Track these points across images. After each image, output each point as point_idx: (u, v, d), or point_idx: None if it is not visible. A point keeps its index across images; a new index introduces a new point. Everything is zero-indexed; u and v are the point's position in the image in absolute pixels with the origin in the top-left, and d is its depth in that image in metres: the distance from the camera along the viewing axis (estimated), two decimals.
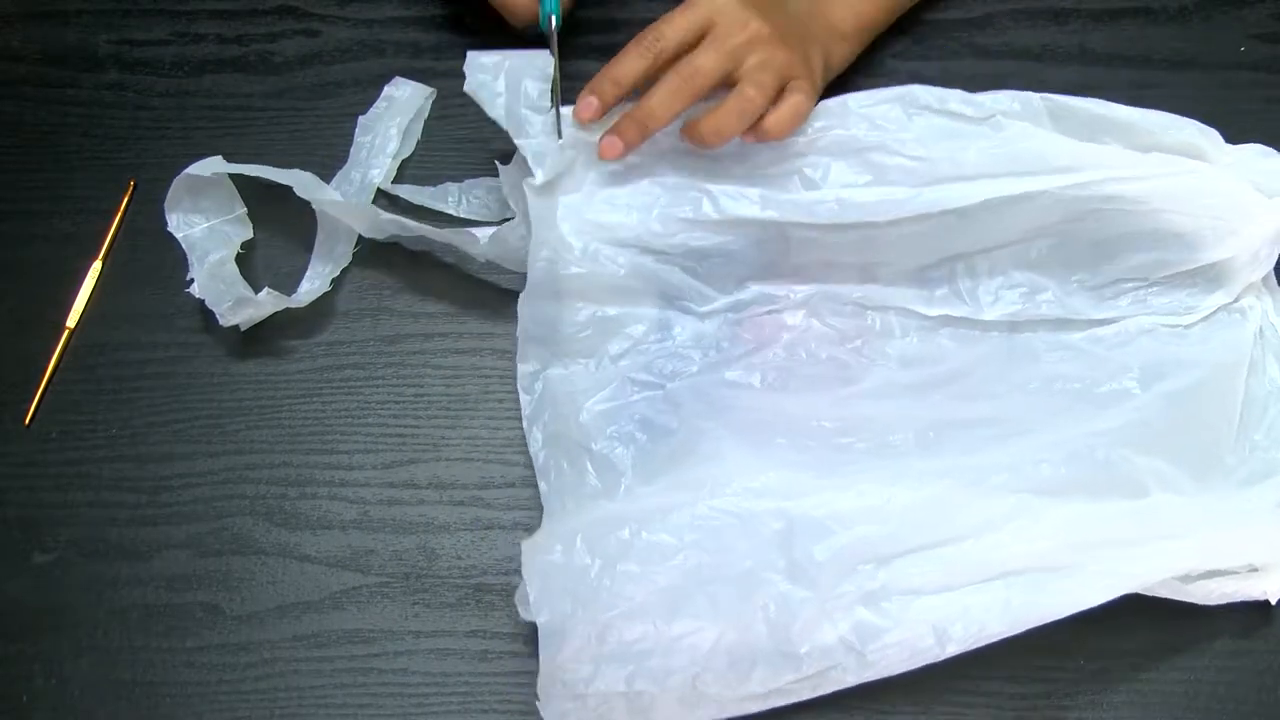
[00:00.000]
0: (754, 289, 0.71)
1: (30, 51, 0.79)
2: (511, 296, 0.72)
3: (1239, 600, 0.63)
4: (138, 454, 0.69)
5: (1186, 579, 0.62)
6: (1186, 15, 0.80)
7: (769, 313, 0.71)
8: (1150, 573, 0.61)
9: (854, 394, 0.69)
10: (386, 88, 0.76)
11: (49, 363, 0.71)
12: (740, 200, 0.69)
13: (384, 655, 0.65)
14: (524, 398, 0.69)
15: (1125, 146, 0.70)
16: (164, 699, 0.65)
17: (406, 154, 0.76)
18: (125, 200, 0.75)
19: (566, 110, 0.69)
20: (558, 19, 0.71)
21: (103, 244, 0.73)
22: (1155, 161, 0.70)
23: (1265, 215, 0.69)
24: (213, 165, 0.71)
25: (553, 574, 0.61)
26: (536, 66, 0.70)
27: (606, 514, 0.63)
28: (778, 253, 0.70)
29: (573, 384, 0.69)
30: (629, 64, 0.67)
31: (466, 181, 0.75)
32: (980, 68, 0.78)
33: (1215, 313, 0.70)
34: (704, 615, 0.60)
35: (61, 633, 0.66)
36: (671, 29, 0.67)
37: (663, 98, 0.67)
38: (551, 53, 0.70)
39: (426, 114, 0.77)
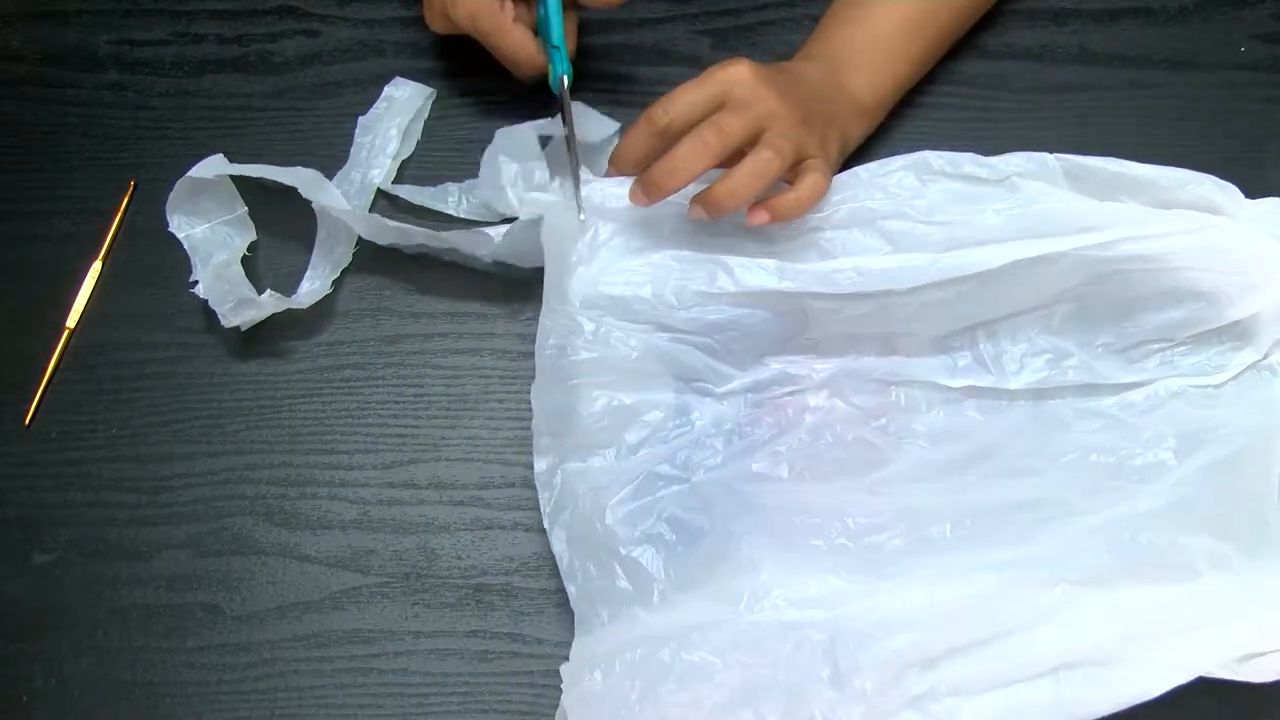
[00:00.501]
0: (774, 367, 0.69)
1: (30, 51, 0.79)
2: (513, 296, 0.72)
3: None
4: (138, 454, 0.69)
5: (1242, 658, 0.61)
6: (1186, 15, 0.80)
7: (791, 393, 0.69)
8: (1207, 659, 0.60)
9: (885, 479, 0.67)
10: (386, 88, 0.76)
11: (49, 363, 0.71)
12: (757, 272, 0.67)
13: (384, 655, 0.65)
14: (543, 494, 0.65)
15: (1143, 204, 0.68)
16: (164, 699, 0.65)
17: (407, 154, 0.76)
18: (125, 200, 0.75)
19: (585, 187, 0.68)
20: (570, 78, 0.69)
21: (103, 244, 0.73)
22: (1174, 218, 0.68)
23: None
24: (215, 166, 0.71)
25: (593, 701, 0.60)
26: (548, 135, 0.70)
27: (645, 632, 0.61)
28: (796, 326, 0.69)
29: (593, 479, 0.65)
30: (636, 142, 0.66)
31: (466, 181, 0.75)
32: (980, 68, 0.78)
33: (1245, 371, 0.69)
34: None
35: (61, 633, 0.66)
36: (683, 103, 0.65)
37: (686, 154, 0.64)
38: (565, 119, 0.69)
39: (426, 114, 0.77)
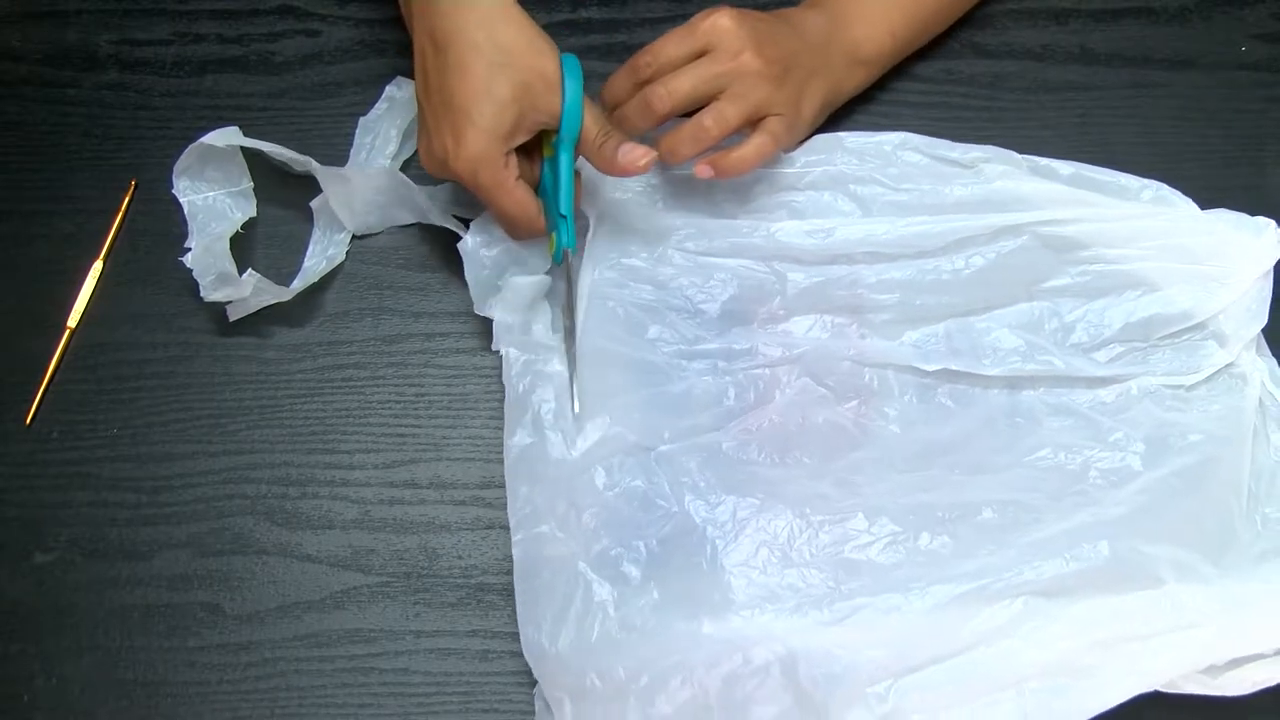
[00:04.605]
0: (746, 341, 0.69)
1: (30, 51, 0.79)
2: None
3: (1271, 686, 0.61)
4: (138, 454, 0.69)
5: (1214, 671, 0.61)
6: (1186, 15, 0.80)
7: (762, 369, 0.69)
8: (1173, 666, 0.60)
9: (854, 467, 0.67)
10: (388, 88, 0.76)
11: (50, 362, 0.71)
12: (731, 231, 0.70)
13: (385, 655, 0.65)
14: (509, 417, 0.66)
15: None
16: (165, 698, 0.65)
17: (407, 155, 0.76)
18: (126, 200, 0.74)
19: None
20: (574, 252, 0.68)
21: (103, 244, 0.73)
22: (1132, 207, 0.70)
23: (1247, 260, 0.69)
24: (228, 136, 0.71)
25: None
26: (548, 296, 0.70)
27: (611, 643, 0.61)
28: (769, 289, 0.70)
29: (557, 424, 0.66)
30: (621, 86, 0.69)
31: None
32: (980, 67, 0.78)
33: (1217, 375, 0.69)
34: None
35: (62, 633, 0.66)
36: (665, 53, 0.67)
37: (630, 113, 0.68)
38: (567, 294, 0.68)
39: None
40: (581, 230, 0.70)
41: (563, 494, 0.64)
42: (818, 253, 0.70)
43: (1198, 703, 0.61)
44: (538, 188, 0.68)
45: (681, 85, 0.66)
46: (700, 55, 0.67)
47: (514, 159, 0.64)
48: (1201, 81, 0.78)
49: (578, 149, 0.66)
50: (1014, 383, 0.69)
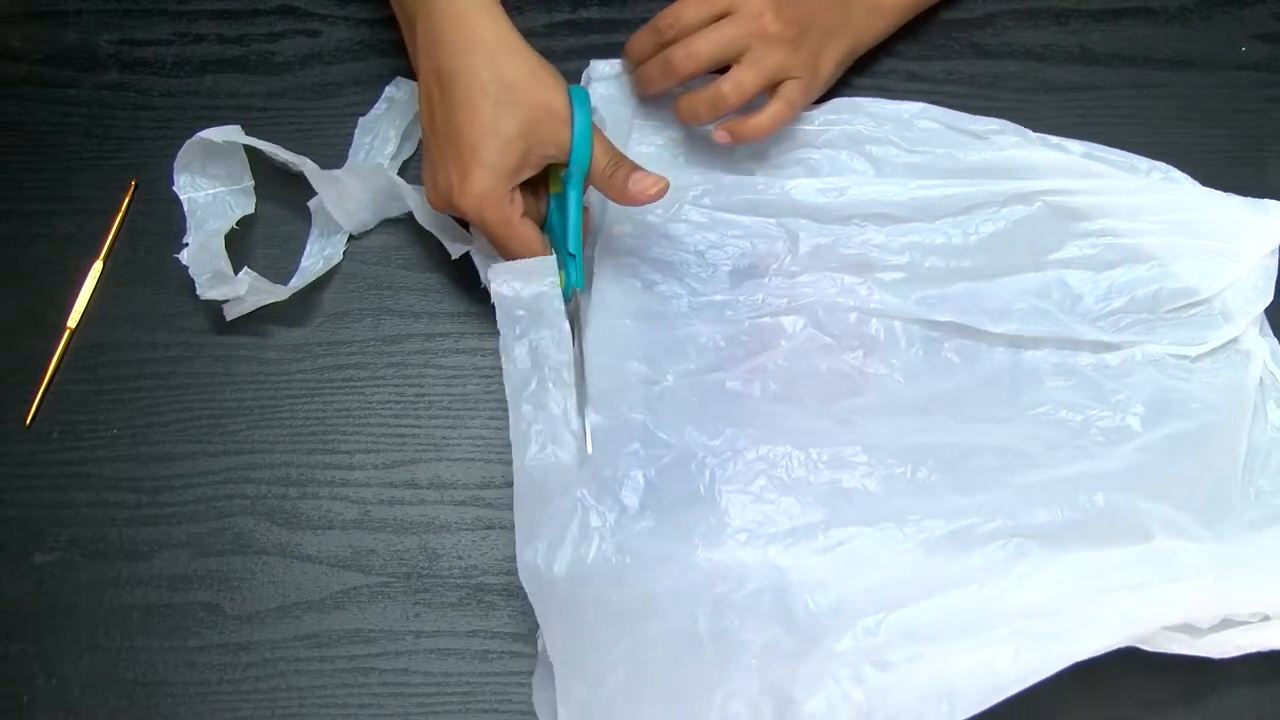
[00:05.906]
0: (754, 295, 0.70)
1: (30, 51, 0.79)
2: None
3: (1253, 652, 0.61)
4: (138, 454, 0.69)
5: (1197, 633, 0.61)
6: (1187, 15, 0.80)
7: (767, 318, 0.69)
8: (1160, 616, 0.60)
9: (855, 409, 0.67)
10: (387, 88, 0.76)
11: (50, 363, 0.71)
12: (746, 188, 0.72)
13: (385, 655, 0.65)
14: (506, 364, 0.65)
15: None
16: (165, 698, 0.65)
17: (406, 155, 0.76)
18: (126, 200, 0.74)
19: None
20: (583, 290, 0.68)
21: (103, 244, 0.73)
22: (1142, 181, 0.72)
23: (1254, 238, 0.70)
24: (228, 133, 0.71)
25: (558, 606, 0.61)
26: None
27: (607, 568, 0.62)
28: (780, 246, 0.71)
29: (558, 354, 0.66)
30: (643, 45, 0.71)
31: None
32: (981, 67, 0.78)
33: (1221, 350, 0.70)
34: (706, 675, 0.60)
35: (62, 633, 0.66)
36: (686, 15, 0.69)
37: (652, 73, 0.71)
38: (574, 334, 0.67)
39: None
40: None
41: (563, 422, 0.64)
42: (830, 211, 0.71)
43: (1178, 664, 0.61)
44: (544, 225, 0.68)
45: (702, 48, 0.68)
46: (722, 17, 0.68)
47: (519, 195, 0.64)
48: (1202, 81, 0.78)
49: (587, 179, 0.65)
50: (1018, 343, 0.70)
